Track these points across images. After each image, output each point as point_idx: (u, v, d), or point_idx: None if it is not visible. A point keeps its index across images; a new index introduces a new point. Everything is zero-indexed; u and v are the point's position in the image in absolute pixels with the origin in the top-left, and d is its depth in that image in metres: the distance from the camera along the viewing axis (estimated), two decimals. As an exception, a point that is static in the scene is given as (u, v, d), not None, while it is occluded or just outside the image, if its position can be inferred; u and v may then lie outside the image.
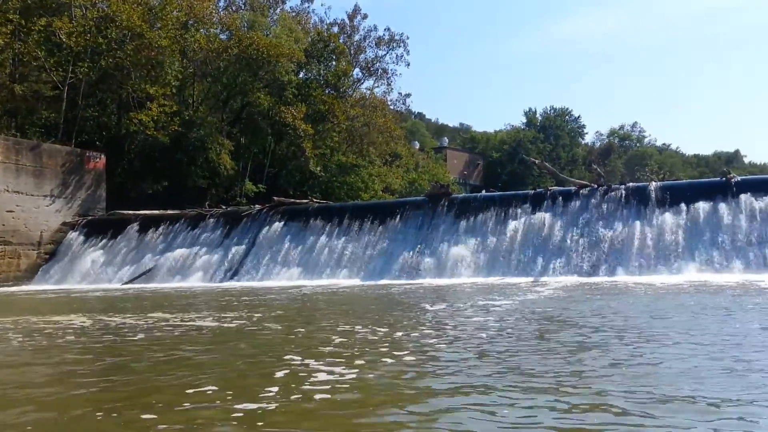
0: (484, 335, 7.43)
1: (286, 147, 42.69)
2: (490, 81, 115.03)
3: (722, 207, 19.71)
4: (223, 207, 30.52)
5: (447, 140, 74.63)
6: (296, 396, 4.49)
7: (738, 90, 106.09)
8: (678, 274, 18.06)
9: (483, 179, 67.55)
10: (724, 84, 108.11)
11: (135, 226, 29.08)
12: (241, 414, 4.03)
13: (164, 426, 3.80)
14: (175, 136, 35.15)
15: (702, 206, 20.02)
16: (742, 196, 19.73)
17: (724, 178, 21.06)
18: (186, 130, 35.79)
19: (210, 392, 4.70)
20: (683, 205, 20.30)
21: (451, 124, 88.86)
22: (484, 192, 28.04)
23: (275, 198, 29.45)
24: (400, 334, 7.82)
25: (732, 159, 59.37)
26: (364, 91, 51.31)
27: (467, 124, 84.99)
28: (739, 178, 21.14)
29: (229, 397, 4.48)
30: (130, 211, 30.39)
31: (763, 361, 5.53)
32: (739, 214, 19.38)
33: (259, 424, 3.82)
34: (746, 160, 63.29)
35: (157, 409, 4.23)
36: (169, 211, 30.13)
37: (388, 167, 51.03)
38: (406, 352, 6.29)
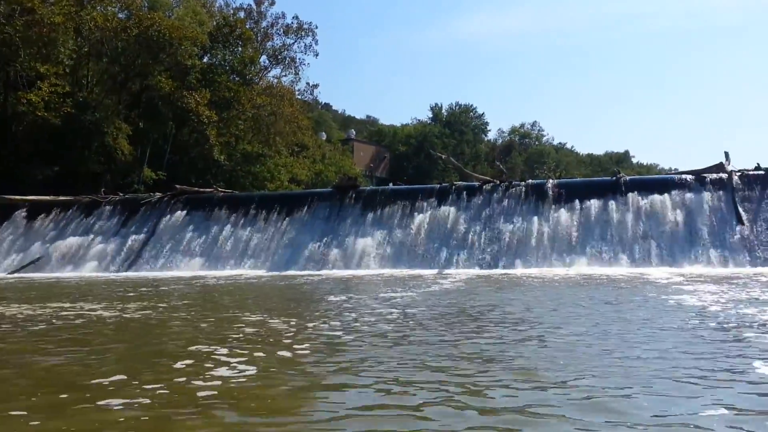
0: (386, 327, 7.55)
1: (188, 134, 41.30)
2: (398, 74, 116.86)
3: (612, 204, 20.99)
4: (120, 194, 29.16)
5: (354, 132, 74.73)
6: (193, 384, 4.39)
7: (628, 93, 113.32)
8: (571, 267, 19.08)
9: (389, 172, 68.25)
10: (616, 87, 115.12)
11: (23, 213, 27.29)
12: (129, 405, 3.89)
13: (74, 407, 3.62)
14: (68, 118, 33.16)
15: (594, 203, 21.23)
16: (630, 195, 21.09)
17: (614, 178, 22.43)
18: (79, 112, 33.84)
19: (110, 382, 4.50)
20: (577, 202, 21.45)
21: (358, 116, 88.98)
22: (391, 185, 28.37)
23: (177, 186, 28.47)
24: (303, 325, 7.81)
25: (622, 159, 63.19)
26: (272, 79, 50.45)
27: (374, 116, 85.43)
28: (627, 178, 22.57)
29: (112, 389, 4.32)
30: (17, 197, 28.43)
31: (641, 348, 5.95)
32: (626, 211, 20.71)
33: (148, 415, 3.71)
34: (635, 161, 67.63)
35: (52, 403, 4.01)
36: (61, 198, 28.45)
37: (295, 158, 50.49)
38: (307, 345, 6.29)
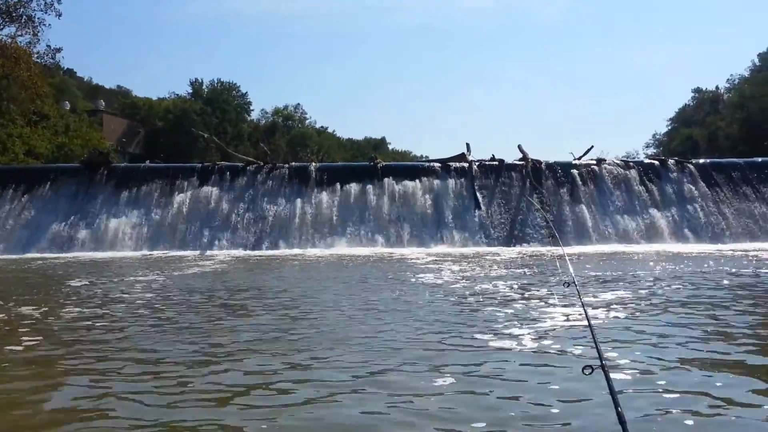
0: (127, 314, 7.19)
1: None
2: (155, 45, 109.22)
3: (369, 189, 22.22)
4: None
5: (104, 103, 68.45)
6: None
7: (387, 82, 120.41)
8: (332, 248, 19.84)
9: (144, 149, 63.91)
10: (375, 75, 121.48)
11: None
12: None
13: None
14: None
15: (353, 187, 22.27)
16: (386, 180, 22.52)
17: (371, 163, 23.73)
18: None
19: None
20: (338, 186, 22.31)
21: (107, 86, 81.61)
22: (148, 162, 26.66)
23: None
24: (39, 313, 7.11)
25: (379, 145, 66.90)
26: (4, 38, 43.90)
27: (127, 87, 79.01)
28: (383, 164, 24.03)
29: None
30: None
31: (391, 325, 6.47)
32: (383, 195, 22.08)
33: None
34: (391, 147, 72.04)
35: None
36: None
37: (33, 128, 44.74)
38: (40, 337, 5.75)
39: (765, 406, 3.71)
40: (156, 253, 19.16)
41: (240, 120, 59.71)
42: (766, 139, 38.27)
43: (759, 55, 45.78)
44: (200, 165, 23.80)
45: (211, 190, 22.04)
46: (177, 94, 66.94)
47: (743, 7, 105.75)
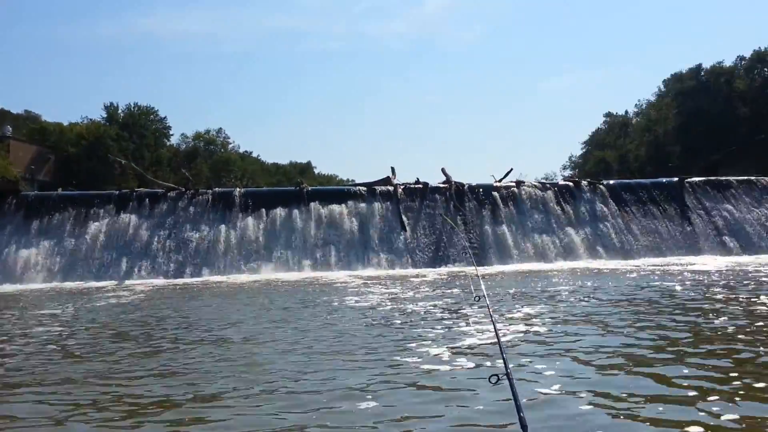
0: (42, 348, 6.93)
1: None
2: (65, 67, 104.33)
3: (296, 213, 22.14)
4: None
5: (10, 129, 65.23)
6: None
7: (312, 105, 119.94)
8: (258, 274, 19.61)
9: (56, 176, 61.17)
10: (299, 99, 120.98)
11: None
12: None
13: None
14: None
15: (279, 212, 22.14)
16: (312, 204, 22.51)
17: (297, 188, 23.69)
18: None
19: None
20: (264, 211, 22.12)
21: (14, 111, 77.88)
22: (60, 190, 25.57)
23: None
24: None
25: (305, 169, 66.53)
26: None
27: (36, 112, 75.67)
28: (310, 188, 24.03)
29: None
30: None
31: (319, 343, 6.51)
32: (309, 219, 22.05)
33: None
34: (317, 171, 71.74)
35: None
36: None
37: (-68, 155, 42.11)
38: None
39: (660, 408, 3.99)
40: (69, 284, 18.35)
41: (159, 145, 58.15)
42: (671, 160, 40.72)
43: (663, 81, 48.77)
44: (117, 192, 23.07)
45: (129, 218, 21.39)
46: (90, 119, 64.64)
47: (650, 35, 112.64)
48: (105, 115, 65.35)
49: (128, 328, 8.55)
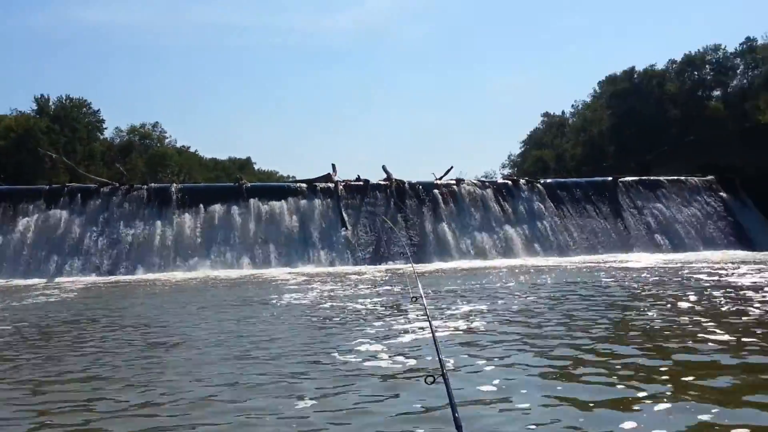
0: None
1: None
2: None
3: (235, 210, 21.76)
4: None
5: (-67, 119, 61.79)
6: None
7: (252, 101, 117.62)
8: (195, 271, 19.17)
9: (-18, 169, 58.26)
10: (239, 94, 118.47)
11: None
12: None
13: None
14: None
15: (218, 208, 21.71)
16: (252, 201, 22.17)
17: (237, 184, 23.29)
18: None
19: None
20: (201, 207, 21.65)
21: (-62, 102, 73.99)
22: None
23: None
24: None
25: (244, 165, 65.35)
26: None
27: (-38, 103, 72.02)
28: (249, 185, 23.66)
29: None
30: None
31: (256, 345, 6.42)
32: (249, 216, 21.70)
33: None
34: (257, 167, 70.54)
35: None
36: None
37: None
38: None
39: (592, 406, 4.09)
40: (-5, 282, 17.51)
41: (92, 138, 56.13)
42: (605, 160, 42.01)
43: (598, 82, 50.26)
44: (48, 187, 22.15)
45: (60, 214, 20.57)
46: (20, 111, 61.95)
47: (587, 36, 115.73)
48: (35, 108, 62.68)
49: (55, 328, 8.21)
